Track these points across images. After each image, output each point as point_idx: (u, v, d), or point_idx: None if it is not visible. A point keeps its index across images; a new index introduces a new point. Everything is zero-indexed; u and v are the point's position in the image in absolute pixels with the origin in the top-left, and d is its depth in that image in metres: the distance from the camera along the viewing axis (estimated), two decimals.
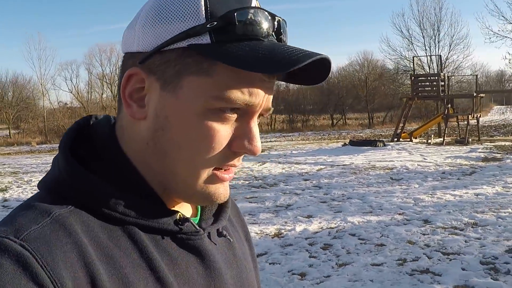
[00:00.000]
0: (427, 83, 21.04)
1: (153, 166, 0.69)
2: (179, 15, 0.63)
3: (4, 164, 19.56)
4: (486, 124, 35.42)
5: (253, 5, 0.66)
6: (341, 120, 47.66)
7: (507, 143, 17.76)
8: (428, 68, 31.37)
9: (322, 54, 0.63)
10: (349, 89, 47.14)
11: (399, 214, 7.75)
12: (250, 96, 0.64)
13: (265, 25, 0.64)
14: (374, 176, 11.80)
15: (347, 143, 19.82)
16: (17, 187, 12.82)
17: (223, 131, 0.65)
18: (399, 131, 20.91)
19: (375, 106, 46.80)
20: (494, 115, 53.28)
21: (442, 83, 20.27)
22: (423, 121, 22.82)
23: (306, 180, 11.67)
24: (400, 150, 17.44)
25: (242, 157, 0.71)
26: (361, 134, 30.59)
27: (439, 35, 33.72)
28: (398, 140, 20.44)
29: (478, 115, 20.78)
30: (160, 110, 0.66)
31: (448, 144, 19.19)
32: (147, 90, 0.66)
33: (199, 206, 0.79)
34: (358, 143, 19.09)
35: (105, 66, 49.10)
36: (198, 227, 0.73)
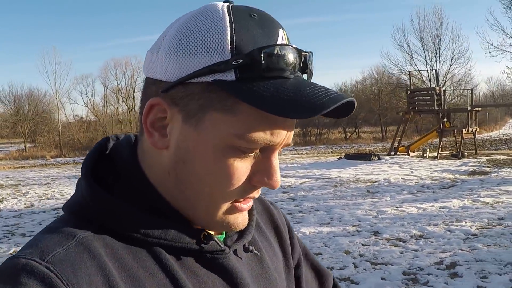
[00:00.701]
0: (422, 98, 21.08)
1: (174, 194, 0.69)
2: (204, 48, 0.62)
3: (9, 177, 20.18)
4: (498, 138, 35.04)
5: (280, 41, 0.65)
6: (355, 133, 47.74)
7: (502, 157, 17.65)
8: (429, 82, 31.42)
9: (347, 98, 0.63)
10: (362, 103, 47.26)
11: (354, 226, 7.91)
12: (272, 136, 0.65)
13: (291, 62, 0.64)
14: (353, 189, 11.95)
15: (342, 156, 19.95)
16: (13, 198, 13.26)
17: (244, 167, 0.66)
18: (396, 145, 20.95)
19: (388, 120, 46.78)
20: (509, 128, 52.63)
21: (438, 97, 20.28)
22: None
23: (284, 192, 11.86)
24: (392, 164, 17.50)
25: (260, 189, 0.71)
26: (372, 148, 30.58)
27: (439, 49, 33.86)
28: (395, 154, 20.47)
29: (474, 129, 20.70)
30: (182, 142, 0.66)
31: (443, 157, 19.16)
32: (169, 121, 0.66)
33: None
34: (353, 157, 19.19)
35: (120, 80, 50.13)
36: (223, 245, 0.73)
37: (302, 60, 0.66)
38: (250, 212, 0.81)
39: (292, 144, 0.71)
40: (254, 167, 0.67)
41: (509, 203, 9.37)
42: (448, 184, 12.24)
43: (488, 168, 15.44)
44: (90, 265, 0.60)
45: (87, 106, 50.09)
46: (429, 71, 29.98)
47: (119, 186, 0.70)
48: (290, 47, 0.64)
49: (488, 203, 9.46)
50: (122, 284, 0.61)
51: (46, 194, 13.89)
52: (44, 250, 0.60)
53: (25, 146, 41.82)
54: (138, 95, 48.08)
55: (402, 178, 13.53)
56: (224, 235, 0.77)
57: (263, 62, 0.61)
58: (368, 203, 9.97)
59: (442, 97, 20.79)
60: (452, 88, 30.40)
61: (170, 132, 0.67)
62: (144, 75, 0.71)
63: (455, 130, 20.24)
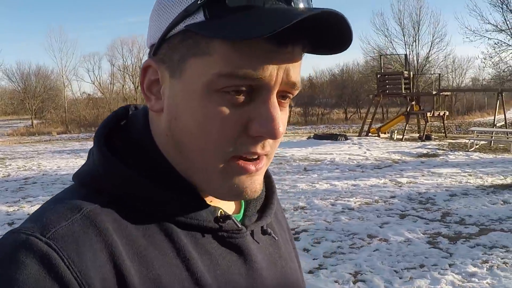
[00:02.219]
0: (391, 81, 21.70)
1: (177, 159, 0.65)
2: None
3: (1, 151, 21.43)
4: (489, 122, 35.17)
5: None
6: (356, 114, 48.14)
7: (466, 141, 18.20)
8: (408, 66, 31.76)
9: (331, 9, 0.56)
10: (363, 84, 47.49)
11: None
12: (256, 70, 0.58)
13: None
14: (293, 167, 12.81)
15: (311, 136, 20.74)
16: None
17: (234, 113, 0.59)
18: (366, 126, 21.66)
19: (388, 101, 46.82)
20: None
21: (407, 81, 20.84)
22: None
23: None
24: (354, 144, 18.26)
25: (266, 143, 0.63)
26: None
27: (419, 33, 34.34)
28: (366, 135, 21.15)
29: (442, 113, 21.24)
30: (172, 98, 0.62)
31: (409, 140, 19.83)
32: (162, 81, 0.64)
33: (243, 202, 0.76)
34: (321, 137, 20.00)
35: (126, 58, 51.25)
36: (240, 225, 0.69)
37: None
38: (270, 188, 0.79)
39: (299, 87, 0.63)
40: (248, 115, 0.60)
41: (421, 184, 10.18)
42: (386, 165, 13.00)
43: (441, 151, 16.13)
44: (95, 241, 0.57)
45: (93, 84, 51.56)
46: (403, 55, 30.40)
47: (132, 157, 0.66)
48: None
49: (400, 183, 10.26)
50: (128, 263, 0.58)
51: (25, 166, 15.03)
52: (46, 224, 0.56)
53: (32, 123, 43.19)
54: None
55: (348, 158, 14.33)
56: (241, 215, 0.74)
57: None
58: (293, 179, 10.86)
59: (411, 81, 21.33)
60: (426, 71, 30.71)
61: (163, 92, 0.64)
62: (147, 47, 0.68)
63: (424, 114, 20.81)
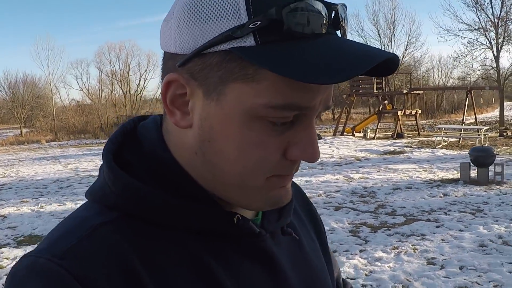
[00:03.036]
0: (364, 81, 22.28)
1: (203, 175, 0.63)
2: (217, 13, 0.55)
3: None
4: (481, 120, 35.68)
5: None
6: (344, 114, 48.51)
7: (438, 138, 18.63)
8: None
9: (386, 55, 0.55)
10: (339, 85, 47.70)
11: None
12: (303, 101, 0.56)
13: (318, 19, 0.55)
14: None
15: None
16: None
17: (275, 141, 0.59)
18: (341, 126, 22.16)
19: (368, 100, 47.33)
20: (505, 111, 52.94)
21: (379, 81, 21.38)
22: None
23: None
24: (326, 143, 18.75)
25: (299, 164, 0.64)
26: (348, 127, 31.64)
27: (394, 34, 35.49)
28: (341, 135, 21.62)
29: (415, 111, 21.75)
30: (205, 119, 0.59)
31: (381, 138, 20.32)
32: (190, 96, 0.60)
33: None
34: None
35: (114, 64, 51.62)
36: (259, 228, 0.67)
37: (333, 15, 0.57)
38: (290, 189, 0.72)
39: (332, 106, 0.63)
40: (288, 140, 0.59)
41: (372, 179, 10.68)
42: (347, 162, 13.47)
43: (408, 149, 16.59)
44: (109, 257, 0.56)
45: (82, 90, 51.91)
46: None
47: (145, 169, 0.64)
48: (316, 0, 0.55)
49: (352, 178, 10.72)
50: (145, 276, 0.56)
51: (4, 173, 15.40)
52: (57, 244, 0.57)
53: (21, 131, 43.41)
54: (132, 78, 49.75)
55: None
56: (260, 217, 0.71)
57: (284, 21, 0.53)
58: None
59: (383, 80, 21.86)
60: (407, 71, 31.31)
61: (192, 109, 0.61)
62: (161, 49, 0.64)
63: (395, 112, 21.31)
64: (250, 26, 0.53)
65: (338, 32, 0.60)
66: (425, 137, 20.48)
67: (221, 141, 0.59)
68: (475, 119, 22.34)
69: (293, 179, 0.70)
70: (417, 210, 7.76)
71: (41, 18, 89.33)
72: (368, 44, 0.59)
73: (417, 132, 21.99)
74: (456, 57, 30.13)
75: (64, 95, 67.47)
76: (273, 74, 0.54)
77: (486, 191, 9.17)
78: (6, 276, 0.60)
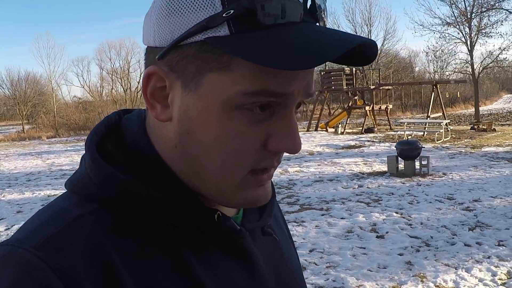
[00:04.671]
0: (335, 77, 22.97)
1: (183, 169, 0.63)
2: (193, 4, 0.55)
3: None
4: (465, 114, 35.90)
5: None
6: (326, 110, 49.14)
7: (408, 132, 19.08)
8: None
9: (363, 38, 0.55)
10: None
11: None
12: (279, 88, 0.56)
13: (293, 7, 0.55)
14: None
15: None
16: None
17: (254, 131, 0.58)
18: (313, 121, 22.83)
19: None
20: (500, 104, 52.93)
21: (349, 77, 21.97)
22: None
23: None
24: None
25: (281, 156, 0.63)
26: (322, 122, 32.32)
27: (371, 30, 36.56)
28: (315, 130, 22.26)
29: (386, 107, 22.30)
30: (184, 111, 0.59)
31: (351, 133, 20.98)
32: (169, 89, 0.60)
33: None
34: None
35: (114, 61, 52.56)
36: (239, 226, 0.67)
37: (309, 3, 0.58)
38: (271, 188, 0.71)
39: (315, 94, 0.59)
40: (268, 130, 0.59)
41: (305, 172, 11.45)
42: (298, 156, 14.10)
43: (369, 143, 17.21)
44: (87, 249, 0.55)
45: (83, 87, 53.01)
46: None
47: (128, 162, 0.64)
48: None
49: (287, 172, 11.43)
50: (123, 269, 0.56)
51: None
52: (35, 234, 0.56)
53: (23, 128, 44.18)
54: (133, 75, 50.67)
55: None
56: (241, 215, 0.71)
57: (258, 10, 0.53)
58: None
59: (353, 76, 22.43)
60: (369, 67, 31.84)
61: (171, 102, 0.60)
62: (143, 44, 0.64)
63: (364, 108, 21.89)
64: (224, 15, 0.53)
65: (317, 23, 0.59)
66: (394, 131, 20.99)
67: (200, 132, 0.59)
68: (443, 112, 22.77)
69: None
70: (318, 200, 8.43)
71: (42, 17, 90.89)
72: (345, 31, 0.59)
73: (389, 127, 22.51)
74: (427, 52, 30.56)
75: (66, 92, 68.56)
76: (248, 62, 0.53)
77: (403, 183, 9.79)
78: None
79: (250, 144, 0.58)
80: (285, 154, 0.62)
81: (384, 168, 11.47)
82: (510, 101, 55.26)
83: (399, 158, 10.97)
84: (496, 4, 24.15)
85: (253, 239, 0.70)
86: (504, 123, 26.99)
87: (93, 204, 0.60)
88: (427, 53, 31.10)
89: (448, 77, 30.07)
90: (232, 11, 0.53)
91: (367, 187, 9.46)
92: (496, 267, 5.17)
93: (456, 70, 30.92)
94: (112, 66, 51.60)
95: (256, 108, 0.57)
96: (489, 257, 5.45)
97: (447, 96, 32.71)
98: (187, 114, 0.59)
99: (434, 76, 39.59)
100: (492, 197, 8.32)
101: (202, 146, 0.60)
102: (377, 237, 6.33)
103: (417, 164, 10.86)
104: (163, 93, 0.61)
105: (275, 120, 0.59)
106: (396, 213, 7.46)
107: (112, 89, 51.04)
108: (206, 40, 0.55)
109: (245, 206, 0.66)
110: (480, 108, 43.10)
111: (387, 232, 6.48)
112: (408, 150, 10.78)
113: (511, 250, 5.66)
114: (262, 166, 0.61)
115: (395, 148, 11.27)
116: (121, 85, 50.97)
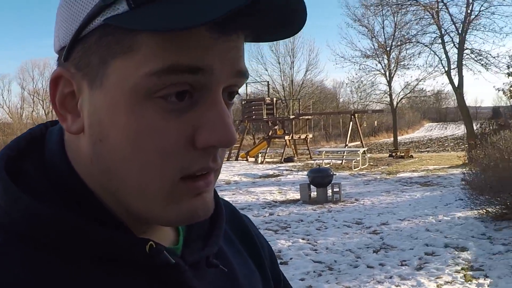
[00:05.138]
0: (255, 107, 23.03)
1: (105, 188, 0.52)
2: None
3: None
4: (387, 142, 37.22)
5: None
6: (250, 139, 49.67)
7: (327, 161, 19.23)
8: (284, 91, 34.00)
9: None
10: (235, 110, 48.58)
11: None
12: (191, 61, 0.47)
13: None
14: None
15: None
16: None
17: (174, 124, 0.48)
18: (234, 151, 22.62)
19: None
20: (422, 132, 55.48)
21: (269, 107, 22.12)
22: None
23: None
24: None
25: (217, 155, 0.52)
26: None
27: (294, 61, 37.24)
28: (236, 160, 22.04)
29: (304, 136, 22.61)
30: (93, 114, 0.49)
31: (271, 162, 20.91)
32: (79, 93, 0.51)
33: (180, 228, 0.62)
34: None
35: (36, 81, 50.20)
36: (175, 259, 0.55)
37: None
38: (219, 210, 0.64)
39: (247, 73, 0.52)
40: (193, 123, 0.49)
41: None
42: (217, 185, 13.59)
43: (287, 172, 17.29)
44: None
45: (2, 108, 50.06)
46: (265, 82, 32.12)
47: (43, 182, 0.53)
48: None
49: None
50: None
51: None
52: None
53: None
54: None
55: None
56: (180, 244, 0.60)
57: None
58: None
59: (274, 106, 22.66)
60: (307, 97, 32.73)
61: (81, 108, 0.51)
62: (54, 51, 0.55)
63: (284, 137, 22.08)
64: None
65: None
66: (314, 160, 21.18)
67: (112, 136, 0.49)
68: (361, 141, 23.41)
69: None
70: None
71: None
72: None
73: (309, 156, 22.70)
74: (347, 83, 31.79)
75: None
76: (151, 37, 0.46)
77: (314, 210, 9.72)
78: None
79: (172, 140, 0.48)
80: None
81: (298, 196, 11.35)
82: (431, 129, 57.98)
83: (312, 186, 10.89)
84: (413, 38, 25.26)
85: (197, 271, 0.58)
86: (424, 150, 28.15)
87: (4, 233, 0.50)
88: (346, 84, 32.20)
89: (368, 107, 31.00)
90: None
91: (278, 215, 9.28)
92: (397, 286, 5.17)
93: (376, 101, 32.08)
94: (34, 86, 49.29)
95: (172, 96, 0.47)
96: (391, 277, 5.44)
97: (365, 125, 33.83)
98: (96, 117, 0.50)
99: (356, 106, 41.12)
100: (400, 219, 8.39)
101: (117, 153, 0.49)
102: (280, 263, 5.98)
103: (329, 191, 10.79)
104: (74, 100, 0.52)
105: (200, 111, 0.49)
106: (303, 239, 7.35)
107: (33, 111, 48.65)
108: (105, 21, 0.46)
109: (181, 222, 0.53)
110: (402, 137, 45.05)
111: (291, 258, 6.37)
112: (320, 178, 10.81)
113: (413, 269, 5.71)
114: (194, 169, 0.50)
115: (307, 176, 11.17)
116: (43, 108, 48.62)
